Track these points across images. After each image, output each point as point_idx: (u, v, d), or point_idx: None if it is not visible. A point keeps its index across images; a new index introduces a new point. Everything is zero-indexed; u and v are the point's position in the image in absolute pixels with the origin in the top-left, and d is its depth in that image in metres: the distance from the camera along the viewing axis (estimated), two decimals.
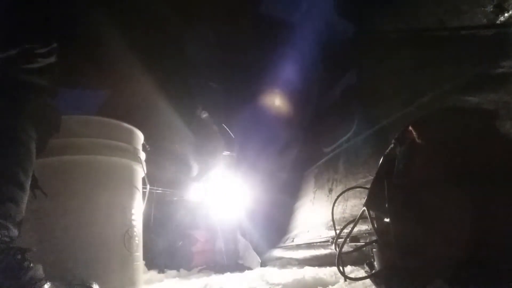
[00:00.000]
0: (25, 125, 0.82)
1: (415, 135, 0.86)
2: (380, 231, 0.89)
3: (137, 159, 1.48)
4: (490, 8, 1.12)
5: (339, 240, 1.14)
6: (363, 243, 1.08)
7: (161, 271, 2.25)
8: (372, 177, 0.97)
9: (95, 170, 1.32)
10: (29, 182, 0.83)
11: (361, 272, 1.17)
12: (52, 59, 0.86)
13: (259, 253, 2.65)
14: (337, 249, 1.05)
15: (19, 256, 0.76)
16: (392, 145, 0.93)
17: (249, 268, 2.31)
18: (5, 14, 0.81)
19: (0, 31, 0.80)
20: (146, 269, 2.14)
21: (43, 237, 1.17)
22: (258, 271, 1.99)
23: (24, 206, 0.81)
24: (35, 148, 0.85)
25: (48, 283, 0.81)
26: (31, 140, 0.83)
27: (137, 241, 1.41)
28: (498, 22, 1.09)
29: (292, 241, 2.28)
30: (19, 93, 0.81)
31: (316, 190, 2.37)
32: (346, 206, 1.73)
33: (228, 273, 2.03)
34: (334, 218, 1.36)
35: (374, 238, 0.94)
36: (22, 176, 0.80)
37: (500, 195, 0.73)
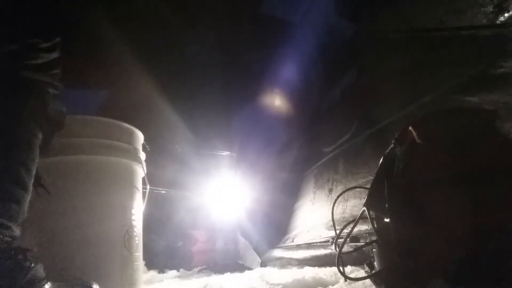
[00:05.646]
0: (28, 123, 0.81)
1: (415, 135, 0.86)
2: (380, 231, 0.89)
3: (137, 159, 1.48)
4: (490, 8, 1.12)
5: (339, 240, 1.14)
6: (363, 243, 1.08)
7: (161, 271, 2.25)
8: (372, 177, 0.97)
9: (95, 170, 1.32)
10: (32, 182, 0.83)
11: (361, 272, 1.17)
12: (56, 54, 0.84)
13: (259, 253, 2.65)
14: (337, 249, 1.05)
15: (20, 256, 0.76)
16: (392, 145, 0.93)
17: (249, 268, 2.31)
18: (7, 8, 0.79)
19: (1, 26, 0.78)
20: (146, 269, 2.14)
21: (44, 237, 1.17)
22: (258, 271, 1.99)
23: (26, 206, 0.80)
24: (39, 147, 0.84)
25: (48, 283, 0.81)
26: (34, 139, 0.82)
27: (137, 241, 1.41)
28: (498, 22, 1.09)
29: (292, 241, 2.28)
30: (22, 90, 0.80)
31: (316, 190, 2.37)
32: (346, 206, 1.73)
33: (228, 273, 2.03)
34: (334, 218, 1.36)
35: (374, 238, 0.94)
36: (25, 175, 0.79)
37: (500, 195, 0.73)
